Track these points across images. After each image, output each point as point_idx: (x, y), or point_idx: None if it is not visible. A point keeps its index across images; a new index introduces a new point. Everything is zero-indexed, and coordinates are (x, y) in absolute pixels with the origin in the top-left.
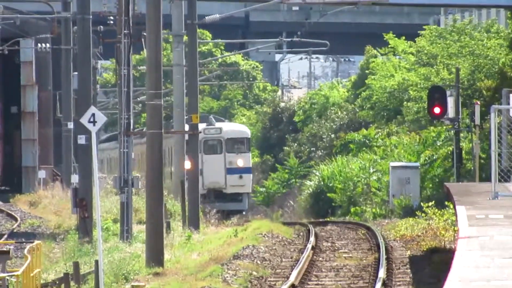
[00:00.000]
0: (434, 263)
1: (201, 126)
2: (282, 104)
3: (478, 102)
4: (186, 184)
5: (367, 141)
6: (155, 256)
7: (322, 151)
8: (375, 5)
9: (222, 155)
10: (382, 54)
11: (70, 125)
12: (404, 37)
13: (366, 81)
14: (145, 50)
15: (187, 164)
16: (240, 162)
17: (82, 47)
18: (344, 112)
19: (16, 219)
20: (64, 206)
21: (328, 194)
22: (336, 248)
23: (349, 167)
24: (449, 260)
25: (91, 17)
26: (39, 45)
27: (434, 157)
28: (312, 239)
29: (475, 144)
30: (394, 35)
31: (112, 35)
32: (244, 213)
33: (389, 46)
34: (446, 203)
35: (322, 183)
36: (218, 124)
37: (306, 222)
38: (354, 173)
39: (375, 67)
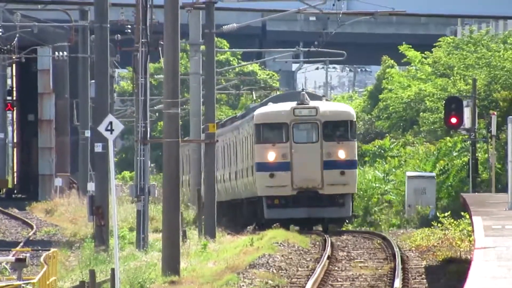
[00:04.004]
0: (450, 274)
1: (290, 104)
2: None
3: (495, 113)
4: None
5: (382, 151)
6: (171, 264)
7: None
8: (392, 16)
9: (318, 143)
10: (405, 64)
11: (87, 133)
12: (420, 48)
13: (380, 96)
14: (162, 59)
15: (271, 156)
16: (342, 154)
17: (99, 55)
18: (361, 122)
19: (32, 227)
20: (80, 214)
21: None
22: (352, 258)
23: (364, 177)
24: (465, 270)
25: (108, 25)
26: (56, 53)
27: (449, 167)
28: (328, 248)
29: (491, 154)
30: (409, 46)
31: (130, 43)
32: (347, 222)
33: (407, 57)
34: (462, 213)
35: None
36: (313, 103)
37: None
38: (370, 183)
39: (387, 84)
